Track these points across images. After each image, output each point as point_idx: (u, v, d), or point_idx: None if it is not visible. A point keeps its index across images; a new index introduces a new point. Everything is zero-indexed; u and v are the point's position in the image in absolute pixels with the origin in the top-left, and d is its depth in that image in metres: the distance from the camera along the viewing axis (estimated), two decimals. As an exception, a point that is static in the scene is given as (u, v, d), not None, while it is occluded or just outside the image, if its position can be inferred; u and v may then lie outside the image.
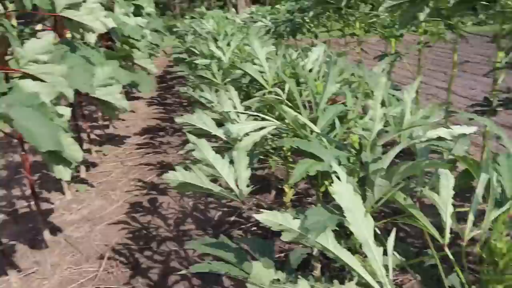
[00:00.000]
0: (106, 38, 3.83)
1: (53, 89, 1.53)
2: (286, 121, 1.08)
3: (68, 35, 2.72)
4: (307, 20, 5.31)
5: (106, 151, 4.36)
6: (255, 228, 2.70)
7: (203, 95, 1.51)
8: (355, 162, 0.86)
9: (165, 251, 2.49)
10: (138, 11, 4.09)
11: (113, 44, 3.70)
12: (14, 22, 1.84)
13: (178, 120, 1.40)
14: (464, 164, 0.85)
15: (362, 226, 0.65)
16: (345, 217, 0.65)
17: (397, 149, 0.79)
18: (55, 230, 2.84)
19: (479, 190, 0.70)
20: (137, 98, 6.92)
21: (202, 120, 1.35)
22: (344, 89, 1.18)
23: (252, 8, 8.61)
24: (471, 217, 0.70)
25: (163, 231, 2.71)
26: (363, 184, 0.83)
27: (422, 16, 2.28)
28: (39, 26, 2.65)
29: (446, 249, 0.69)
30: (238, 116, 1.49)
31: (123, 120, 5.62)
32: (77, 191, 3.44)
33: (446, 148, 1.06)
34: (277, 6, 6.35)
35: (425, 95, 5.69)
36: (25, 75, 1.53)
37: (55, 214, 3.09)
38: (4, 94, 1.26)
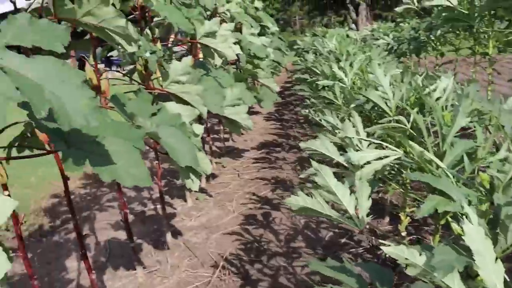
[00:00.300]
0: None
1: (193, 112, 1.71)
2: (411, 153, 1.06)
3: (200, 55, 2.98)
4: (433, 38, 5.07)
5: (225, 163, 4.63)
6: (366, 253, 2.63)
7: (326, 119, 1.54)
8: (485, 203, 0.81)
9: (274, 266, 2.56)
10: (263, 31, 4.30)
11: (238, 63, 3.95)
12: (159, 45, 2.08)
13: (302, 145, 1.46)
14: None
15: (492, 272, 0.62)
16: (474, 259, 0.62)
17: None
18: (176, 233, 3.09)
19: None
20: (256, 113, 7.23)
21: (324, 145, 1.39)
22: (474, 123, 1.12)
23: (373, 25, 8.45)
24: None
25: (273, 246, 2.79)
26: (494, 227, 0.79)
27: None
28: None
29: None
30: (360, 142, 1.49)
31: (241, 133, 5.91)
32: (197, 199, 3.70)
33: None
34: (401, 24, 6.16)
35: None
36: (167, 95, 1.74)
37: (176, 219, 3.37)
38: (154, 114, 1.45)
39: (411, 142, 0.97)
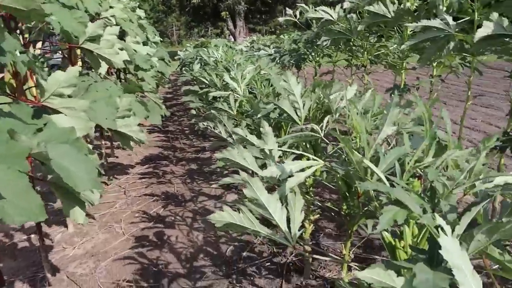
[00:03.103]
0: (112, 68, 3.80)
1: (86, 124, 1.46)
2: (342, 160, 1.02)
3: (79, 63, 2.67)
4: (310, 51, 5.34)
5: (109, 181, 4.26)
6: (268, 263, 2.59)
7: (236, 131, 1.44)
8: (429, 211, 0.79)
9: (177, 290, 2.38)
10: (145, 41, 4.08)
11: (120, 73, 3.67)
12: (37, 51, 1.78)
13: (218, 155, 1.33)
14: None
15: (472, 286, 0.58)
16: (453, 275, 0.58)
17: (483, 202, 0.73)
18: (57, 266, 2.71)
19: None
20: (138, 125, 6.85)
21: (242, 156, 1.29)
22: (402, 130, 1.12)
23: (253, 36, 8.68)
24: None
25: (173, 267, 2.60)
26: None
27: (448, 48, 2.26)
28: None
29: None
30: (271, 154, 1.43)
31: (124, 148, 5.53)
32: (79, 224, 3.31)
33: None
34: (281, 36, 6.40)
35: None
36: (47, 109, 1.47)
37: (56, 248, 2.96)
38: (40, 130, 1.19)
39: (353, 150, 0.92)
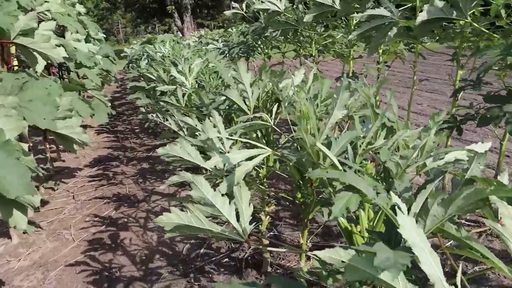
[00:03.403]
0: (53, 67, 3.59)
1: (18, 124, 1.33)
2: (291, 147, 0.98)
3: (14, 62, 2.50)
4: (259, 43, 5.32)
5: (55, 186, 4.05)
6: (226, 259, 2.55)
7: (185, 120, 1.38)
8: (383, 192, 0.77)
9: (132, 294, 2.29)
10: (87, 38, 3.88)
11: (61, 72, 3.47)
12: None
13: (160, 151, 1.26)
14: (491, 187, 0.78)
15: (432, 263, 0.56)
16: (413, 253, 0.56)
17: (436, 179, 0.72)
18: (1, 281, 2.53)
19: None
20: (85, 126, 6.58)
21: (186, 150, 1.23)
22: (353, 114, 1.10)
23: (201, 31, 8.56)
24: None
25: (128, 271, 2.49)
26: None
27: (391, 34, 2.28)
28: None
29: None
30: (222, 144, 1.38)
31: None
32: (24, 233, 3.12)
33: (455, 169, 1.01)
34: (229, 29, 6.33)
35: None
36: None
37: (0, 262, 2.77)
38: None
39: (306, 131, 0.89)
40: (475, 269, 2.25)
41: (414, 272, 0.73)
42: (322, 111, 1.35)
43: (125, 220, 3.20)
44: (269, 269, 2.35)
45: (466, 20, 2.09)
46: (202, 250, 2.66)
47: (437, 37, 2.65)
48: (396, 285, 0.55)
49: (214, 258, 2.56)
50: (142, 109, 4.30)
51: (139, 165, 4.58)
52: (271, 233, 2.77)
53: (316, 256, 0.70)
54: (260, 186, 1.81)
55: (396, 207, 0.60)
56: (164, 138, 2.36)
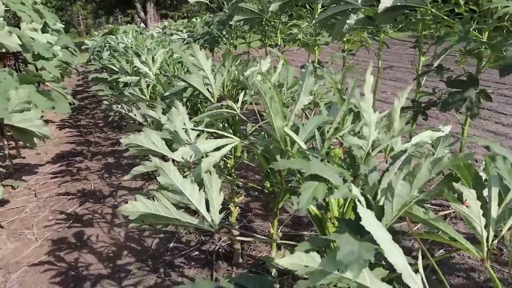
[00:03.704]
0: (8, 59, 3.43)
1: None
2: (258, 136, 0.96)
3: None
4: (224, 33, 5.26)
5: (16, 183, 3.88)
6: (197, 252, 2.52)
7: (148, 113, 1.33)
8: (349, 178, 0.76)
9: (100, 291, 2.22)
10: (44, 28, 3.72)
11: (17, 64, 3.31)
12: None
13: (124, 141, 1.21)
14: (457, 170, 0.79)
15: (397, 253, 0.55)
16: (378, 245, 0.55)
17: (403, 158, 0.71)
18: (-40, 283, 2.42)
19: (495, 196, 0.64)
20: (46, 121, 6.35)
21: (151, 140, 1.18)
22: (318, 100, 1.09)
23: (164, 22, 8.39)
24: (492, 224, 0.64)
25: (95, 269, 2.43)
26: (368, 204, 0.74)
27: (352, 21, 2.29)
28: None
29: (487, 265, 0.61)
30: (188, 134, 1.34)
31: (32, 147, 5.09)
32: (-17, 233, 2.99)
33: (421, 152, 1.02)
34: (194, 19, 6.22)
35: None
36: None
37: (-43, 264, 2.64)
38: None
39: (273, 116, 0.86)
40: (441, 251, 2.32)
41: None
42: (289, 97, 1.33)
43: (91, 216, 3.11)
44: (240, 260, 2.34)
45: (427, 8, 2.12)
46: (171, 244, 2.62)
47: (400, 25, 2.69)
48: (363, 282, 0.54)
49: (184, 252, 2.53)
50: (106, 102, 4.18)
51: (104, 160, 4.46)
52: (241, 224, 2.76)
53: (286, 245, 0.68)
54: (228, 177, 1.78)
55: (356, 200, 0.59)
56: (129, 131, 2.29)
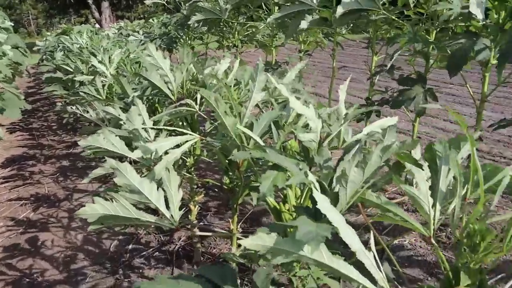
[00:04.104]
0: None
1: None
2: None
3: None
4: (182, 34, 5.23)
5: (-37, 189, 3.70)
6: (157, 253, 2.50)
7: (107, 110, 1.32)
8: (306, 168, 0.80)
9: (57, 297, 2.17)
10: (-9, 26, 3.57)
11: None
12: None
13: (81, 143, 1.20)
14: (401, 158, 0.84)
15: (351, 234, 0.59)
16: (335, 226, 0.58)
17: (357, 147, 0.75)
18: None
19: (443, 181, 0.70)
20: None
21: (110, 141, 1.17)
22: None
23: (120, 23, 8.23)
24: (438, 207, 0.69)
25: (50, 275, 2.36)
26: (324, 190, 0.78)
27: (304, 24, 2.35)
28: None
29: (433, 241, 0.66)
30: (147, 132, 1.34)
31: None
32: None
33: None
34: (150, 20, 6.15)
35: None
36: None
37: None
38: None
39: (224, 113, 0.88)
40: (395, 242, 2.42)
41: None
42: (246, 95, 1.36)
43: (46, 221, 3.02)
44: (201, 259, 2.34)
45: (379, 10, 2.21)
46: (130, 246, 2.58)
47: (353, 27, 2.79)
48: (320, 259, 0.57)
49: (144, 253, 2.50)
50: (60, 103, 4.05)
51: (59, 163, 4.32)
52: (201, 223, 2.76)
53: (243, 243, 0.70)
54: (188, 175, 1.79)
55: (312, 185, 0.63)
56: (84, 133, 2.25)
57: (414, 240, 2.46)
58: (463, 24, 2.17)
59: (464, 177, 0.70)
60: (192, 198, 2.10)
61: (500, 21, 1.80)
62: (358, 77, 7.52)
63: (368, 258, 0.58)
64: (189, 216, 2.18)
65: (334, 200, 0.69)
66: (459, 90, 6.27)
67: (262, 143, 0.88)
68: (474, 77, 6.42)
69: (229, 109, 1.02)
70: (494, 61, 1.90)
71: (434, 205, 0.68)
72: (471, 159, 0.71)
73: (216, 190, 3.25)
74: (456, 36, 2.02)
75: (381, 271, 0.59)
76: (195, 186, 2.09)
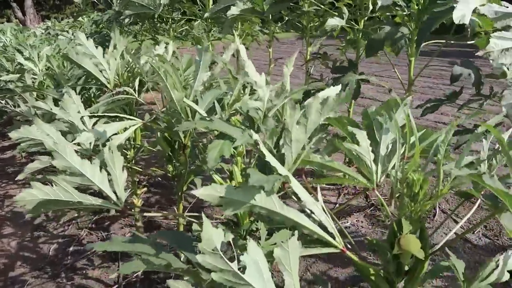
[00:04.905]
0: None
1: None
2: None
3: None
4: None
5: None
6: (101, 252, 2.42)
7: (38, 105, 1.27)
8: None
9: (-7, 308, 2.04)
10: None
11: None
12: None
13: (13, 134, 1.14)
14: (334, 122, 0.90)
15: (299, 185, 0.62)
16: (283, 176, 0.62)
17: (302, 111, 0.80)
18: None
19: (384, 141, 0.76)
20: None
21: (45, 131, 1.13)
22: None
23: (47, 22, 7.83)
24: (380, 165, 0.75)
25: (-16, 285, 2.21)
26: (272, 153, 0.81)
27: (235, 10, 2.36)
28: None
29: (377, 192, 0.71)
30: (84, 123, 1.31)
31: None
32: None
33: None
34: (80, 18, 5.91)
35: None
36: None
37: None
38: None
39: (171, 88, 0.89)
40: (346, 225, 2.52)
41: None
42: (185, 81, 1.37)
43: (-25, 230, 2.82)
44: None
45: (311, 0, 2.30)
46: (72, 248, 2.49)
47: (287, 20, 2.88)
48: (272, 208, 0.60)
49: (87, 253, 2.42)
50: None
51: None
52: (145, 220, 2.71)
53: (193, 219, 0.72)
54: (130, 167, 1.76)
55: (258, 146, 0.66)
56: (16, 128, 2.14)
57: (356, 221, 2.58)
58: (388, 14, 2.31)
59: (402, 137, 0.76)
60: (135, 192, 2.07)
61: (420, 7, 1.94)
62: (293, 73, 7.68)
63: (317, 207, 0.62)
64: (133, 209, 2.14)
65: (281, 161, 0.72)
66: (389, 82, 6.63)
67: (207, 117, 0.89)
68: (402, 70, 6.82)
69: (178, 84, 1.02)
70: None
71: (375, 160, 0.73)
72: (406, 122, 0.77)
73: (159, 187, 3.21)
74: (381, 23, 2.16)
75: (330, 219, 0.63)
76: (137, 180, 2.06)
